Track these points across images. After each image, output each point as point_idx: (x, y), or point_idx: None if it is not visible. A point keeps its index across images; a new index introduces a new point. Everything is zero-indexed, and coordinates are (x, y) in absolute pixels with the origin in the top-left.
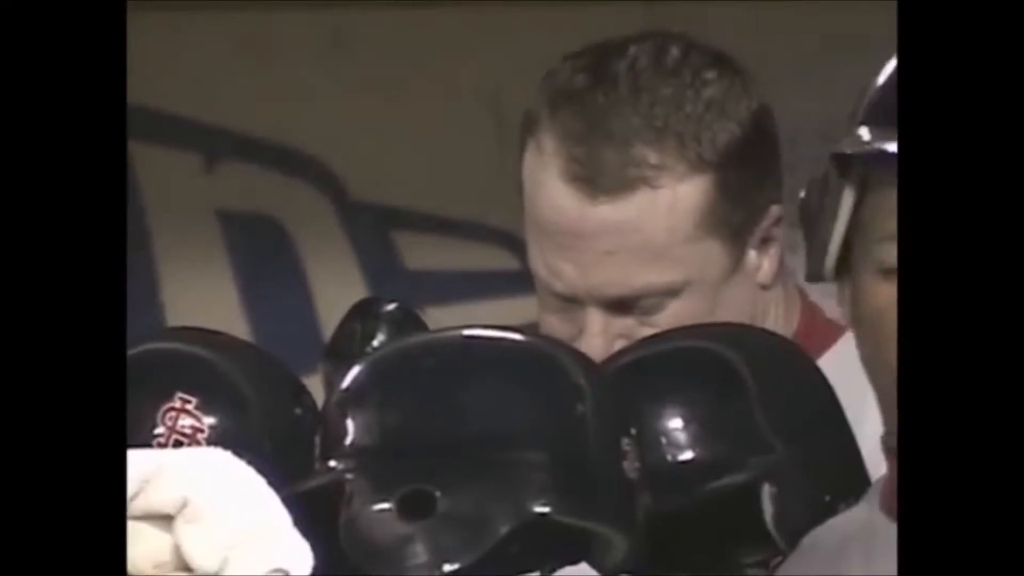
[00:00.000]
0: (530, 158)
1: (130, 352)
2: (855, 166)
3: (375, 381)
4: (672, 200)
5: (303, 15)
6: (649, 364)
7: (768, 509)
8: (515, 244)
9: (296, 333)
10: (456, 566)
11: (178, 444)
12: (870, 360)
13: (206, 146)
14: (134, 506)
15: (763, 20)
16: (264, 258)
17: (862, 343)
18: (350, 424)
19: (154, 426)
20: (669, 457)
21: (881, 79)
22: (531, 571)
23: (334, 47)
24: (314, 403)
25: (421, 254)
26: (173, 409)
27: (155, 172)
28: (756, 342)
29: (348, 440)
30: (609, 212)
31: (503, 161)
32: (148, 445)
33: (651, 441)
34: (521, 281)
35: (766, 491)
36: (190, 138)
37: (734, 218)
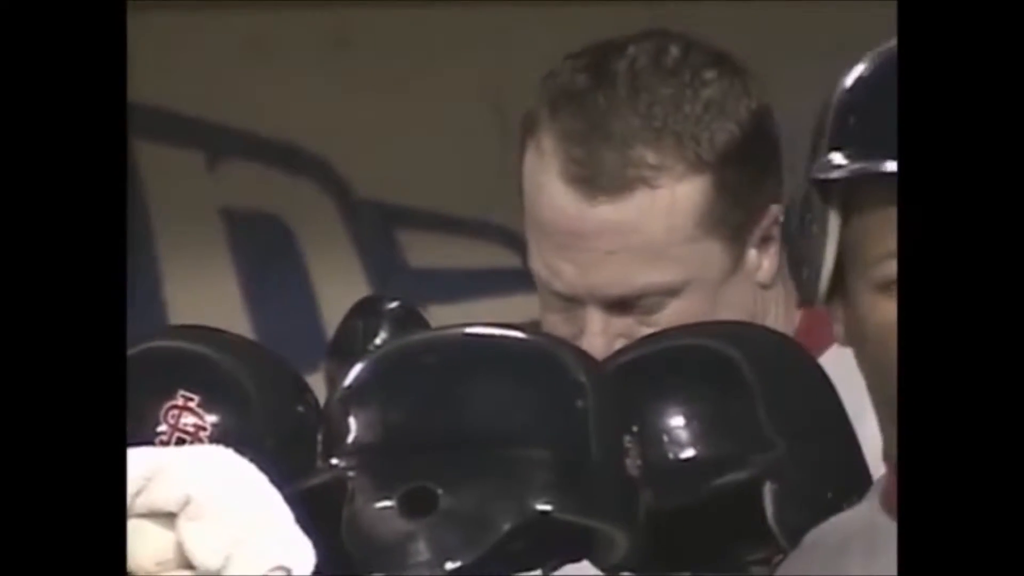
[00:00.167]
0: (530, 158)
1: (133, 350)
2: (836, 189)
3: (377, 379)
4: (671, 200)
5: (306, 14)
6: (651, 362)
7: (769, 507)
8: (517, 242)
9: (298, 331)
10: (458, 563)
11: (181, 442)
12: (875, 376)
13: (209, 145)
14: (137, 504)
15: (763, 20)
16: (267, 256)
17: (865, 361)
18: (352, 422)
19: (157, 424)
20: (671, 455)
21: (840, 96)
22: (533, 569)
23: (337, 46)
24: (316, 401)
25: (423, 252)
26: (176, 407)
27: (158, 170)
28: (757, 340)
29: (350, 438)
30: (609, 212)
31: (505, 159)
32: (151, 443)
33: (653, 439)
34: (523, 279)
35: (767, 489)
36: (193, 137)
37: (734, 218)
